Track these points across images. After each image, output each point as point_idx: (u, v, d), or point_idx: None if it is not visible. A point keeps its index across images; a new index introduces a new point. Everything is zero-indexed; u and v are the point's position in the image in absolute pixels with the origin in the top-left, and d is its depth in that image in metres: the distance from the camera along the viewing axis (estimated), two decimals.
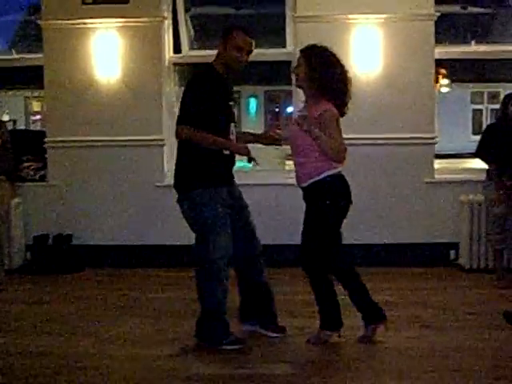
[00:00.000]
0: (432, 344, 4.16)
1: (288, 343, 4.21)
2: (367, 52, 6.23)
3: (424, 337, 4.30)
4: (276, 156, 8.00)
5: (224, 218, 4.06)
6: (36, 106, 22.67)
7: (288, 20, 6.59)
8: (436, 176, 6.46)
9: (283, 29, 6.66)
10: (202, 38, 7.71)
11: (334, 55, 4.09)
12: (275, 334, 4.29)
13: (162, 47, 6.46)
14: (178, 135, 4.05)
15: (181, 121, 4.01)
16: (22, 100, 22.12)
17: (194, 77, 4.15)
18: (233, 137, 4.16)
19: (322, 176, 4.04)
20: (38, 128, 20.49)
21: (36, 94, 21.80)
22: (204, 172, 4.05)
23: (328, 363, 3.92)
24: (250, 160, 4.10)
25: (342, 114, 4.12)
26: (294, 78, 4.32)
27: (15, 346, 4.25)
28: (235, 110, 4.28)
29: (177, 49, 6.81)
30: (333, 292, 4.13)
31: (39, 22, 6.54)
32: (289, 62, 6.46)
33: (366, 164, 6.30)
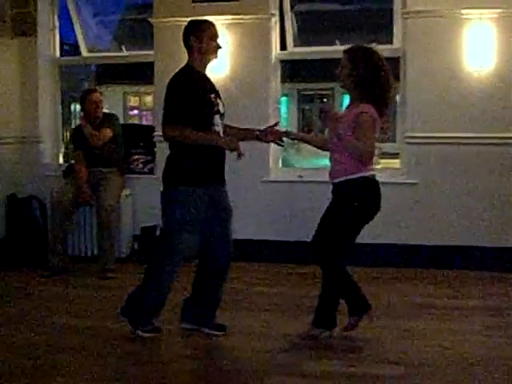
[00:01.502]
0: None
1: (399, 345, 4.16)
2: (479, 49, 6.02)
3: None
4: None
5: (192, 220, 4.16)
6: (133, 101, 23.42)
7: (396, 15, 6.49)
8: None
9: (390, 24, 6.57)
10: (306, 34, 7.74)
11: (378, 57, 4.05)
12: (215, 332, 4.35)
13: (269, 44, 6.51)
14: (164, 135, 4.18)
15: (166, 121, 4.13)
16: (120, 95, 22.89)
17: (172, 77, 4.27)
18: (218, 128, 4.26)
19: (355, 176, 4.01)
20: (135, 122, 21.20)
21: (134, 89, 22.56)
22: (188, 169, 4.17)
23: (439, 367, 3.83)
24: (239, 155, 4.13)
25: (382, 114, 4.06)
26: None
27: (121, 331, 4.41)
28: (220, 102, 4.33)
29: (281, 45, 6.86)
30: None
31: (150, 20, 6.73)
32: (396, 59, 6.40)
33: (473, 164, 6.12)
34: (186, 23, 6.40)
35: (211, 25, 4.36)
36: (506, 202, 6.12)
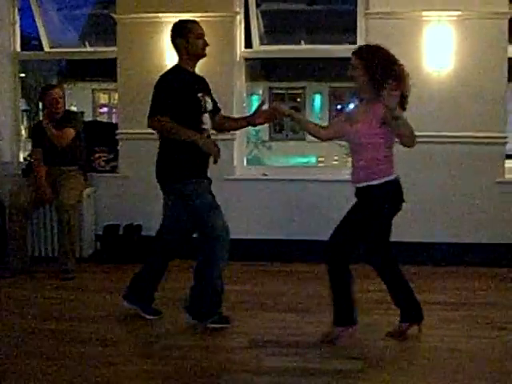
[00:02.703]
0: (500, 346, 4.12)
1: (358, 340, 4.22)
2: (439, 50, 6.15)
3: (494, 338, 4.26)
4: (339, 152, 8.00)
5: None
6: (102, 98, 23.17)
7: (359, 16, 6.56)
8: (507, 176, 6.34)
9: (354, 25, 6.64)
10: (272, 33, 7.77)
11: (388, 52, 4.10)
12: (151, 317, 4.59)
13: (234, 42, 6.53)
14: (149, 126, 4.35)
15: (151, 113, 4.30)
16: (89, 92, 22.62)
17: (159, 77, 4.43)
18: (206, 126, 4.41)
19: (381, 181, 4.05)
20: (105, 120, 20.97)
21: (103, 86, 22.32)
22: (194, 164, 4.36)
23: (398, 361, 3.92)
24: (215, 161, 4.27)
25: (404, 108, 4.09)
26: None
27: (83, 332, 4.40)
28: (208, 100, 4.48)
29: (247, 44, 6.87)
30: (349, 288, 4.15)
31: (114, 15, 6.68)
32: None
33: (436, 162, 6.26)
34: (149, 19, 6.48)
35: (196, 24, 4.47)
36: (465, 200, 6.28)
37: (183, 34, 4.38)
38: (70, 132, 6.07)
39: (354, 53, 4.15)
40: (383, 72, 3.97)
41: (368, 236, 4.14)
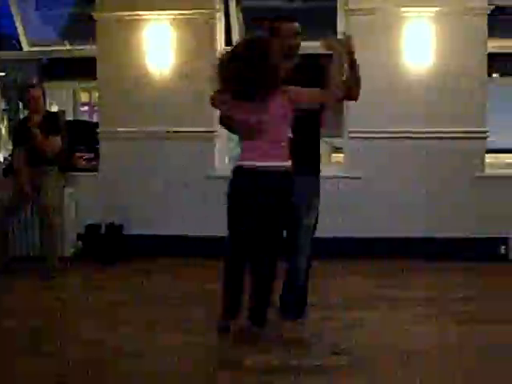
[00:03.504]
0: (480, 339, 4.12)
1: (343, 336, 4.21)
2: (418, 45, 6.18)
3: (472, 332, 4.27)
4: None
5: None
6: (84, 96, 22.95)
7: (339, 13, 6.57)
8: (487, 170, 6.39)
9: (335, 22, 6.65)
10: (253, 30, 7.75)
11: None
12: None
13: (214, 39, 6.51)
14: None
15: None
16: (70, 91, 22.42)
17: None
18: None
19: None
20: (86, 119, 20.79)
21: (84, 85, 22.10)
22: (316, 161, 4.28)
23: (382, 356, 3.92)
24: None
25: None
26: None
27: (65, 332, 4.37)
28: None
29: (228, 41, 6.86)
30: None
31: (93, 14, 6.64)
32: None
33: (417, 157, 6.30)
34: (128, 17, 6.45)
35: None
36: (445, 195, 6.32)
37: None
38: (58, 142, 5.98)
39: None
40: None
41: None
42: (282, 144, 3.94)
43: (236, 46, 4.04)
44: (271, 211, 3.97)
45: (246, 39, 4.16)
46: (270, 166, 3.92)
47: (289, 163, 3.96)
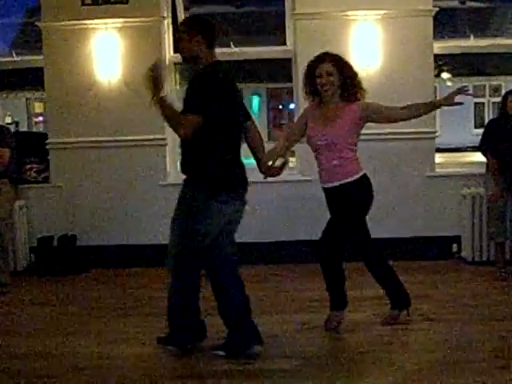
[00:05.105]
0: (434, 336, 4.20)
1: (293, 338, 4.24)
2: (366, 48, 6.25)
3: (426, 330, 4.34)
4: None
5: None
6: (38, 107, 22.71)
7: (287, 17, 6.61)
8: (437, 170, 6.49)
9: (283, 26, 6.69)
10: None
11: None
12: None
13: (162, 46, 6.47)
14: None
15: None
16: (23, 102, 22.15)
17: None
18: None
19: (358, 176, 4.29)
20: (41, 129, 20.55)
21: (38, 95, 21.84)
22: None
23: (332, 357, 3.96)
24: None
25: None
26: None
27: (19, 347, 4.28)
28: None
29: (176, 48, 6.83)
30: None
31: (38, 23, 6.56)
32: (289, 60, 6.53)
33: (367, 159, 6.31)
34: (74, 26, 6.38)
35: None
36: (397, 195, 6.40)
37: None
38: (6, 154, 5.88)
39: (326, 59, 4.32)
40: (352, 76, 4.37)
41: (357, 232, 4.36)
42: None
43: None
44: None
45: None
46: None
47: None
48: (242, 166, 3.99)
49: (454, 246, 6.39)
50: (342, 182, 4.25)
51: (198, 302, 3.99)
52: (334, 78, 4.27)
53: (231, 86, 3.91)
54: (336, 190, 4.27)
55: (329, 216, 4.34)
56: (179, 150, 6.62)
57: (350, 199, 4.27)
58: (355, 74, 4.38)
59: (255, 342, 3.89)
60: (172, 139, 6.42)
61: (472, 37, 7.16)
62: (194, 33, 3.87)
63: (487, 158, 5.78)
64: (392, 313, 4.46)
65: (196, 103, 3.72)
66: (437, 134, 6.51)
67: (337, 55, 4.39)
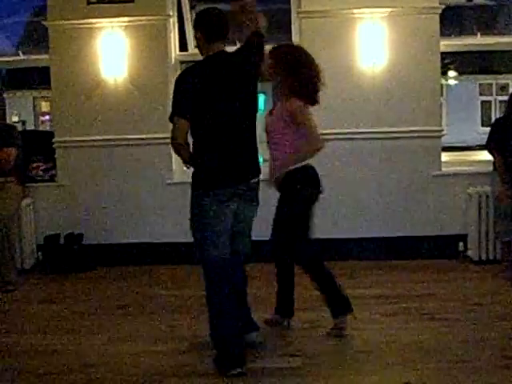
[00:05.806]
0: (439, 336, 4.18)
1: (298, 337, 4.25)
2: (372, 46, 6.23)
3: (431, 329, 4.33)
4: None
5: None
6: (45, 106, 22.80)
7: (293, 15, 6.60)
8: (443, 169, 6.47)
9: (289, 24, 6.68)
10: None
11: (299, 52, 4.30)
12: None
13: (167, 45, 6.47)
14: None
15: None
16: (30, 100, 22.24)
17: None
18: None
19: (297, 166, 4.17)
20: (48, 128, 20.63)
21: (44, 94, 21.95)
22: None
23: (337, 355, 3.96)
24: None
25: (314, 102, 4.28)
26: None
27: (26, 345, 4.31)
28: None
29: (182, 46, 6.85)
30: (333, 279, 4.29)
31: (45, 22, 6.57)
32: None
33: (373, 158, 6.35)
34: (80, 25, 6.40)
35: None
36: (402, 194, 6.39)
37: None
38: (12, 153, 5.90)
39: (270, 51, 4.25)
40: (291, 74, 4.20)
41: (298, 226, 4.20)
42: None
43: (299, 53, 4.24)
44: None
45: (293, 45, 4.47)
46: None
47: None
48: (245, 160, 3.78)
49: (461, 244, 6.37)
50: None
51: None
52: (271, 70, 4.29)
53: (210, 78, 3.67)
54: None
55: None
56: None
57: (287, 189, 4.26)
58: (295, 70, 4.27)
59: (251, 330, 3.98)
60: None
61: (479, 35, 7.13)
62: (195, 29, 3.87)
63: (494, 157, 5.77)
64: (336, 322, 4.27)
65: (173, 105, 3.73)
66: (443, 133, 6.49)
67: (280, 46, 4.40)
